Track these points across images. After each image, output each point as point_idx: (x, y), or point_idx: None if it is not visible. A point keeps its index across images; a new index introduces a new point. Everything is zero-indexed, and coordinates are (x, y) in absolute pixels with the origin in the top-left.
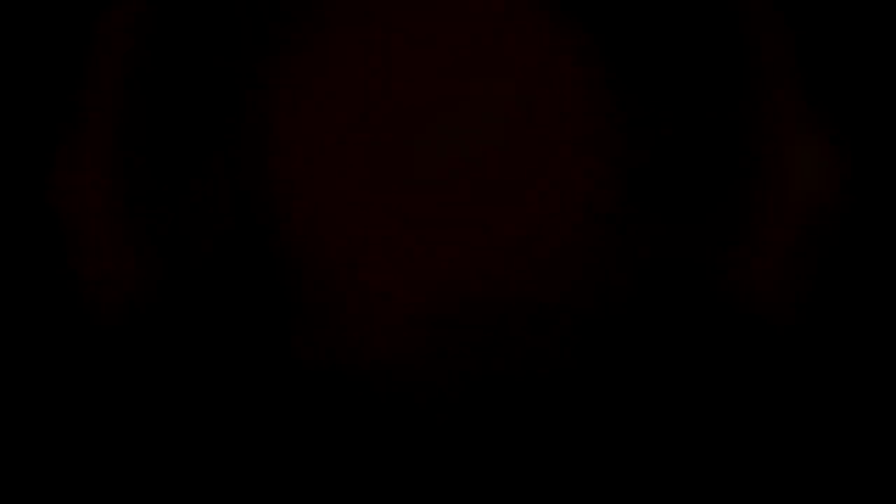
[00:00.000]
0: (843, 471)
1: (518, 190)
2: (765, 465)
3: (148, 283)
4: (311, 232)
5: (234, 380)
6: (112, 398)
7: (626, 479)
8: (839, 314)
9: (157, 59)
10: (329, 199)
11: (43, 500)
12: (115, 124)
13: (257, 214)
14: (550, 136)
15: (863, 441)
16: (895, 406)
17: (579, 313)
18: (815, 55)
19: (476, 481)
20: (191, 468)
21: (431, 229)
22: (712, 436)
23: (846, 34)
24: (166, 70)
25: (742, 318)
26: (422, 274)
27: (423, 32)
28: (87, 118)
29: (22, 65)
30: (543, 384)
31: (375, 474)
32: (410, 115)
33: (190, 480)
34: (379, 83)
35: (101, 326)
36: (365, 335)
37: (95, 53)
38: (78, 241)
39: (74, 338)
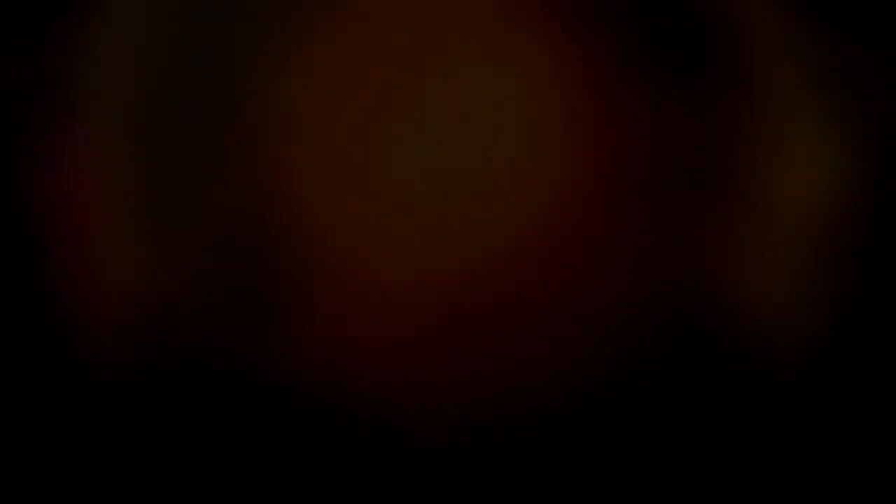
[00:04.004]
0: (847, 474)
1: (519, 192)
2: (769, 470)
3: (140, 285)
4: (308, 233)
5: (229, 381)
6: (104, 402)
7: (628, 487)
8: (842, 315)
9: (150, 59)
10: (327, 200)
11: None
12: (105, 125)
13: (253, 216)
14: (553, 139)
15: (867, 445)
16: None
17: (580, 316)
18: (816, 55)
19: (471, 490)
20: (188, 467)
21: (432, 231)
22: (715, 437)
23: (847, 34)
24: (159, 69)
25: (743, 320)
26: (421, 276)
27: (425, 34)
28: (78, 120)
29: (8, 62)
30: (541, 389)
31: (369, 479)
32: (411, 115)
33: (189, 480)
34: (380, 84)
35: (88, 335)
36: (363, 336)
37: (86, 52)
38: (65, 246)
39: (64, 344)
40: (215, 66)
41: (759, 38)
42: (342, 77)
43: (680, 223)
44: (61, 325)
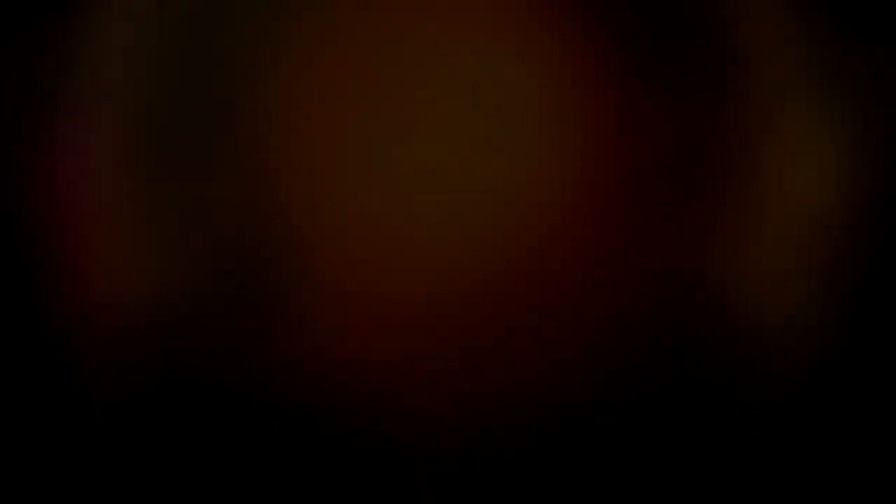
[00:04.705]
0: (850, 475)
1: (521, 193)
2: (772, 471)
3: (139, 288)
4: (310, 236)
5: (229, 385)
6: (103, 405)
7: (632, 488)
8: (844, 314)
9: (149, 59)
10: (329, 202)
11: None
12: (104, 127)
13: (254, 218)
14: (555, 140)
15: (867, 445)
16: None
17: (585, 318)
18: (819, 53)
19: (475, 493)
20: (187, 471)
21: (433, 233)
22: (715, 440)
23: (850, 31)
24: (158, 70)
25: (747, 320)
26: (423, 279)
27: (426, 34)
28: (75, 121)
29: (6, 62)
30: (545, 392)
31: (372, 485)
32: (411, 117)
33: (189, 485)
34: (381, 85)
35: (87, 338)
36: (360, 338)
37: (85, 51)
38: (63, 247)
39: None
40: (216, 67)
41: (762, 36)
42: (343, 79)
43: (683, 223)
44: (59, 328)
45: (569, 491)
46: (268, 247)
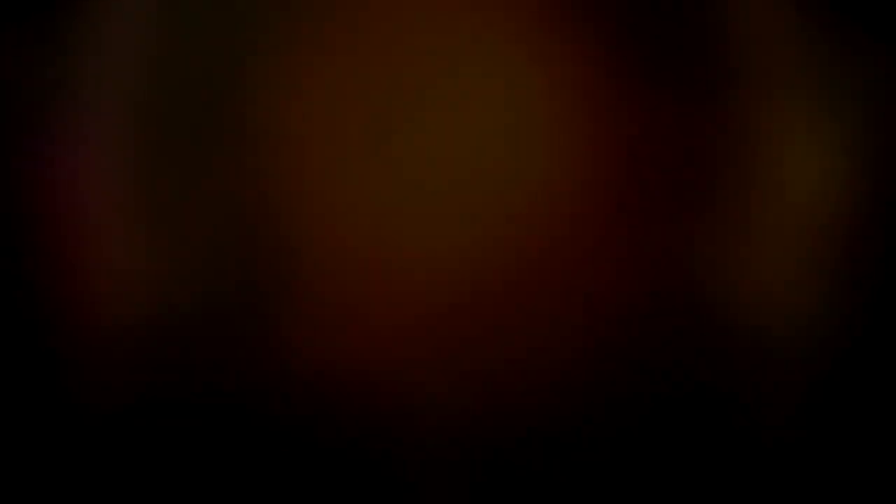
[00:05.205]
0: (851, 476)
1: (518, 192)
2: (772, 472)
3: (138, 288)
4: (308, 236)
5: (228, 386)
6: (102, 408)
7: (627, 486)
8: (843, 316)
9: (149, 58)
10: (329, 202)
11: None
12: (102, 126)
13: (253, 218)
14: (555, 140)
15: (866, 447)
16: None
17: (580, 318)
18: (816, 54)
19: (473, 492)
20: (186, 473)
21: (431, 233)
22: (713, 439)
23: (847, 33)
24: (158, 69)
25: (741, 321)
26: (419, 279)
27: (425, 35)
28: (74, 120)
29: (4, 60)
30: (541, 395)
31: (372, 486)
32: (410, 116)
33: (188, 488)
34: (380, 85)
35: (86, 339)
36: (362, 338)
37: (84, 50)
38: (61, 246)
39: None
40: (216, 66)
41: (763, 37)
42: (345, 81)
43: (685, 225)
44: (57, 329)
45: (571, 493)
46: (268, 249)
